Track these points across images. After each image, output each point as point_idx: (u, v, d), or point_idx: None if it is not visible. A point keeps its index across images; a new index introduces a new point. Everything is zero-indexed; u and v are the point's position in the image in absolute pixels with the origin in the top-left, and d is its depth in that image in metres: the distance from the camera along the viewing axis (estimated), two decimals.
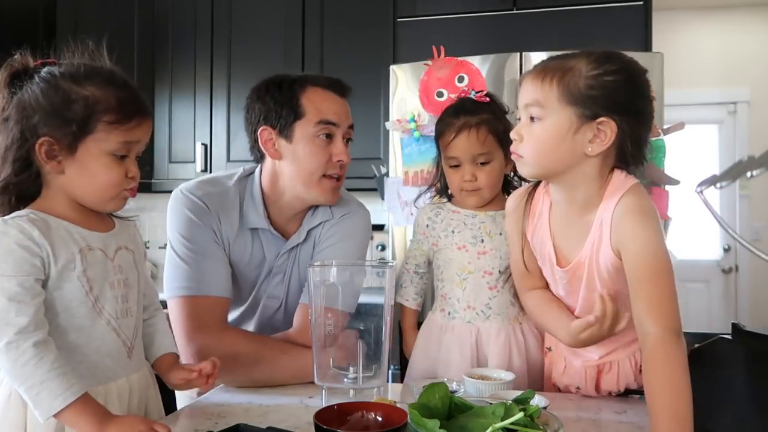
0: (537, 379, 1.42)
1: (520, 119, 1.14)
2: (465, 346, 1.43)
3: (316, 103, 1.37)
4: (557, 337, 1.22)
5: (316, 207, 1.45)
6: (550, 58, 1.13)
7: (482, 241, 1.45)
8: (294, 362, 1.30)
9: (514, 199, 1.31)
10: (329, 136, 1.37)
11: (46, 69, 1.02)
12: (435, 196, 1.58)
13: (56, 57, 1.05)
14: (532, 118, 1.10)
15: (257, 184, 1.43)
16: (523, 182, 1.55)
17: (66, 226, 1.01)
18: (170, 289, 1.35)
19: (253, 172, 1.47)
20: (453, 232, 1.48)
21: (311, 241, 1.45)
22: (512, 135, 1.14)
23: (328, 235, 1.43)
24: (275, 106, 1.37)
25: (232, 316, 1.48)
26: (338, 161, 1.38)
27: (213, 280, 1.35)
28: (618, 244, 1.09)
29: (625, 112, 1.06)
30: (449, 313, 1.47)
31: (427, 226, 1.52)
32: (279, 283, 1.45)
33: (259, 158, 1.43)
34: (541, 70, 1.10)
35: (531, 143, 1.10)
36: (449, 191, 1.53)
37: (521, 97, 1.13)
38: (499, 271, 1.43)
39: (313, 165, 1.37)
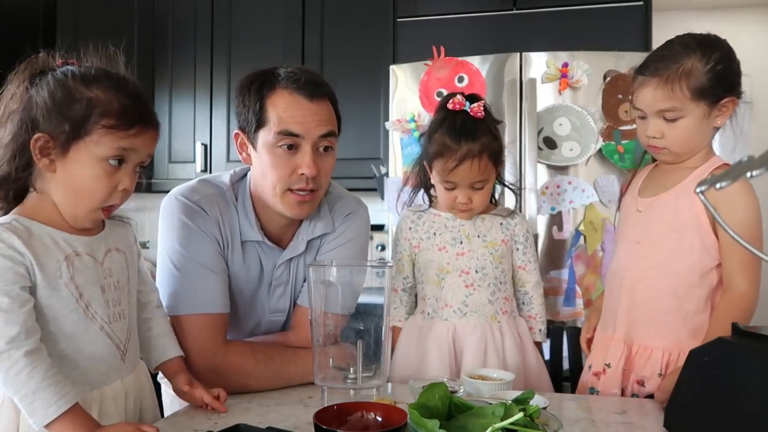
0: (516, 379, 1.42)
1: (643, 118, 1.32)
2: (442, 345, 1.45)
3: (280, 109, 1.23)
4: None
5: (313, 215, 1.36)
6: (657, 58, 1.28)
7: (461, 242, 1.48)
8: (299, 369, 1.30)
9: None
10: (292, 147, 1.24)
11: (62, 69, 1.00)
12: (416, 191, 1.58)
13: (78, 58, 1.03)
14: (666, 118, 1.28)
15: (248, 189, 1.34)
16: (509, 189, 1.60)
17: (50, 232, 0.99)
18: (172, 306, 1.25)
19: (245, 175, 1.38)
20: (435, 234, 1.51)
21: (313, 252, 1.38)
22: (653, 133, 1.29)
23: (331, 237, 1.39)
24: (244, 109, 1.27)
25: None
26: (302, 174, 1.24)
27: (215, 296, 1.27)
28: (715, 203, 1.20)
29: (735, 85, 1.30)
30: (428, 314, 1.50)
31: (410, 228, 1.54)
32: (281, 295, 1.38)
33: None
34: (665, 78, 1.25)
35: (674, 138, 1.29)
36: (432, 191, 1.55)
37: (650, 103, 1.28)
38: (476, 271, 1.47)
39: (274, 177, 1.25)
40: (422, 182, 1.56)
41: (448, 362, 1.44)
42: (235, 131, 1.32)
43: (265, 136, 1.25)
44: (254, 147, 1.28)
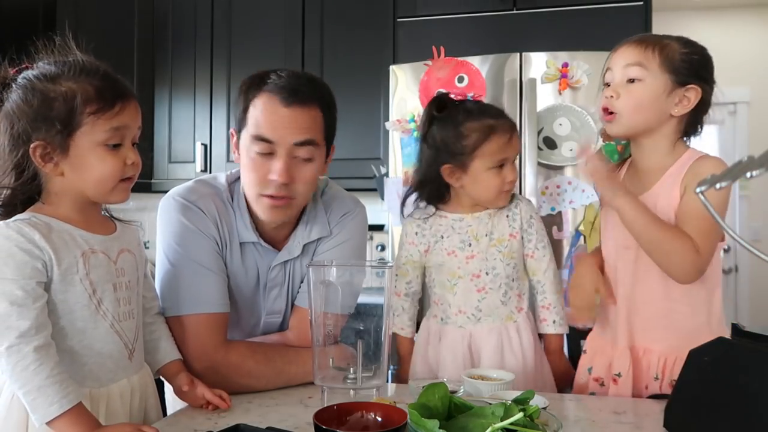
0: (534, 375, 1.42)
1: (607, 85, 1.30)
2: (457, 352, 1.44)
3: (257, 112, 1.23)
4: None
5: (309, 218, 1.36)
6: (644, 35, 1.31)
7: (470, 245, 1.46)
8: (300, 369, 1.30)
9: None
10: (266, 152, 1.23)
11: (21, 75, 1.01)
12: (422, 200, 1.52)
13: (29, 60, 1.04)
14: (630, 80, 1.26)
15: (242, 190, 1.32)
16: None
17: (68, 229, 1.01)
18: (171, 307, 1.25)
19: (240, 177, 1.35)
20: (442, 237, 1.48)
21: (309, 255, 1.37)
22: (608, 93, 1.28)
23: (328, 238, 1.38)
24: (236, 109, 1.28)
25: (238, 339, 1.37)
26: (274, 180, 1.22)
27: (215, 296, 1.26)
28: (689, 184, 1.23)
29: (705, 82, 1.27)
30: (442, 319, 1.49)
31: (416, 233, 1.51)
32: (277, 296, 1.37)
33: None
34: (642, 40, 1.28)
35: (629, 100, 1.26)
36: (447, 194, 1.49)
37: (620, 59, 1.28)
38: (486, 273, 1.45)
39: (248, 180, 1.26)
40: (433, 187, 1.49)
41: (464, 368, 1.40)
42: (231, 129, 1.33)
43: (244, 138, 1.26)
44: (239, 148, 1.29)
